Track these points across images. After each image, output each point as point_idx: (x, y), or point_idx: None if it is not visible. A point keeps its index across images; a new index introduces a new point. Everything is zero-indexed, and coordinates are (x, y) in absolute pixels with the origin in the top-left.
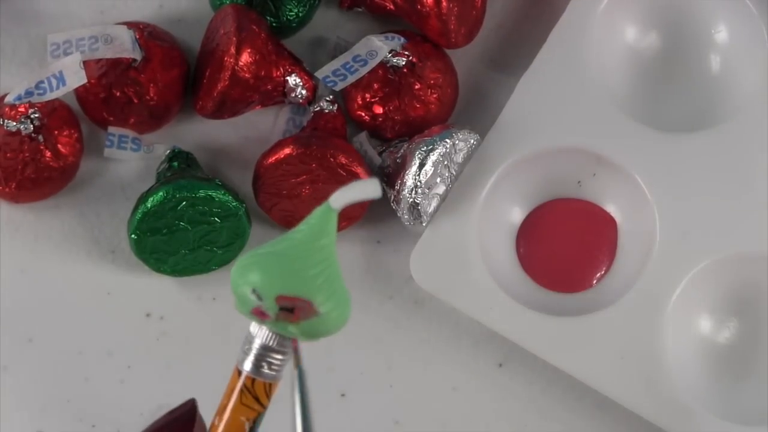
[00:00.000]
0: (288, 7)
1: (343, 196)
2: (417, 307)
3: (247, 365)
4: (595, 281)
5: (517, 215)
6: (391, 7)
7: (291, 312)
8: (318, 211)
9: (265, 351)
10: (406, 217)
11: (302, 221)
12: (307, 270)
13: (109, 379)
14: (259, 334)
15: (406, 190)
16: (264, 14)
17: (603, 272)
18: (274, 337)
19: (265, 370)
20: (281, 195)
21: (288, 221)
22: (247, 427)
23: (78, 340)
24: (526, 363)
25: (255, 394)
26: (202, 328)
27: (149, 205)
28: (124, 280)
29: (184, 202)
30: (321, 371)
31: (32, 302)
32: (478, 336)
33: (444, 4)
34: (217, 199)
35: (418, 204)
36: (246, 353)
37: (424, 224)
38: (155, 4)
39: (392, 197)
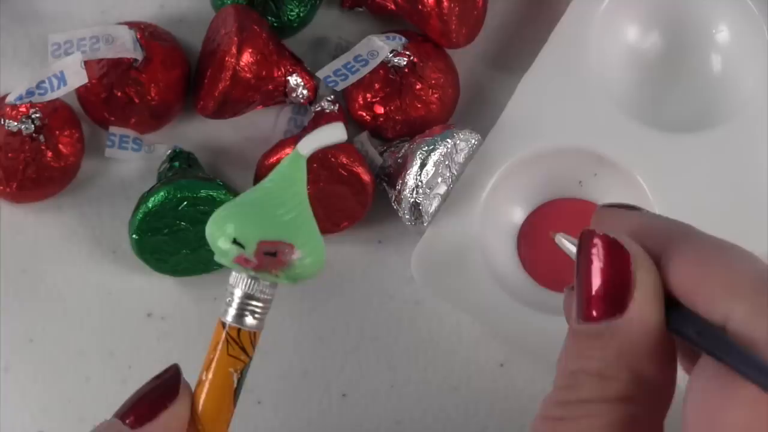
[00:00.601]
0: (289, 7)
1: (310, 142)
2: (418, 307)
3: (231, 316)
4: None
5: (518, 215)
6: (392, 7)
7: (274, 256)
8: (287, 159)
9: (247, 299)
10: (407, 217)
11: (272, 171)
12: (284, 215)
13: (110, 380)
14: (239, 284)
15: (408, 190)
16: (265, 14)
17: None
18: (254, 284)
19: (249, 319)
20: None
21: None
22: (235, 378)
23: (79, 340)
24: (527, 363)
25: (241, 344)
26: (203, 329)
27: (150, 205)
28: (125, 280)
29: (185, 202)
30: (322, 371)
31: (33, 302)
32: (479, 336)
33: (445, 4)
34: (218, 199)
35: (419, 204)
36: (228, 305)
37: (425, 224)
38: (156, 4)
39: (393, 197)
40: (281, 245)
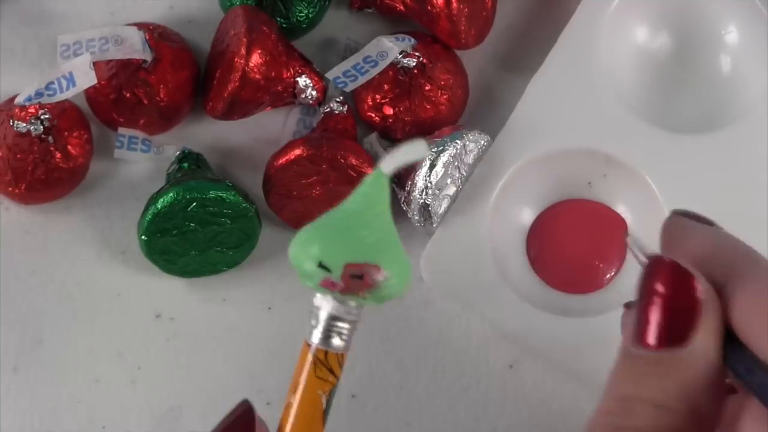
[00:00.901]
0: (298, 8)
1: (393, 160)
2: (427, 308)
3: (318, 338)
4: (605, 282)
5: (527, 216)
6: (402, 8)
7: (360, 278)
8: (369, 179)
9: (333, 321)
10: (416, 218)
11: (354, 191)
12: (369, 237)
13: (119, 380)
14: (324, 305)
15: (417, 191)
16: (274, 15)
17: (614, 273)
18: (341, 306)
19: (336, 340)
20: (292, 196)
21: (298, 222)
22: (324, 400)
23: (88, 341)
24: (537, 364)
25: (329, 366)
26: (212, 330)
27: (159, 206)
28: (134, 281)
29: (194, 203)
30: None
31: (42, 303)
32: (489, 337)
33: (454, 5)
34: (227, 200)
35: (428, 205)
36: (314, 326)
37: (434, 225)
38: (165, 5)
39: (403, 198)
40: (368, 267)
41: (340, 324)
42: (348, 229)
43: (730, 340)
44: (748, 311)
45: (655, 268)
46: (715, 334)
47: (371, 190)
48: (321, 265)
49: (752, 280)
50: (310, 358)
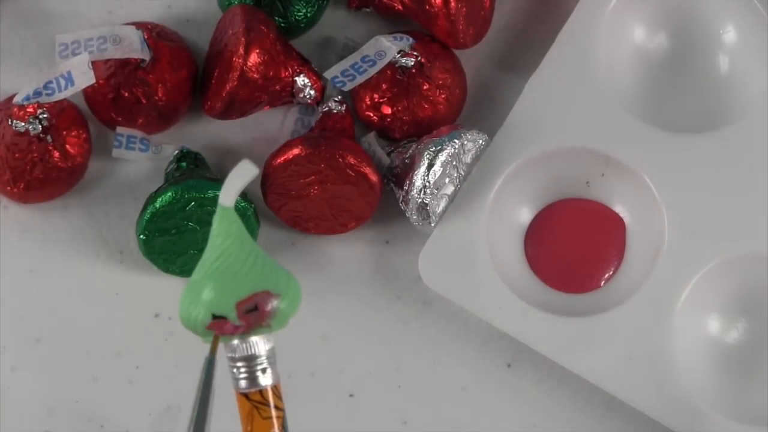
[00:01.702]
0: (296, 7)
1: (228, 191)
2: (425, 308)
3: (247, 384)
4: (603, 281)
5: (525, 215)
6: (400, 7)
7: (256, 310)
8: (217, 217)
9: (251, 362)
10: (414, 217)
11: (210, 236)
12: (244, 268)
13: (117, 380)
14: (237, 351)
15: (415, 191)
16: (272, 15)
17: (611, 272)
18: (251, 345)
19: (263, 378)
20: (290, 195)
21: (296, 221)
22: None
23: (86, 340)
24: (535, 363)
25: (269, 402)
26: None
27: (158, 206)
28: (132, 281)
29: (192, 203)
30: (330, 372)
31: (40, 302)
32: (487, 336)
33: (452, 4)
34: None
35: (426, 204)
36: (238, 375)
37: (432, 224)
38: (164, 5)
39: (401, 197)
40: (257, 297)
41: (258, 360)
42: (222, 271)
43: None
44: None
45: None
46: None
47: (223, 227)
48: (215, 316)
49: None
50: (248, 405)
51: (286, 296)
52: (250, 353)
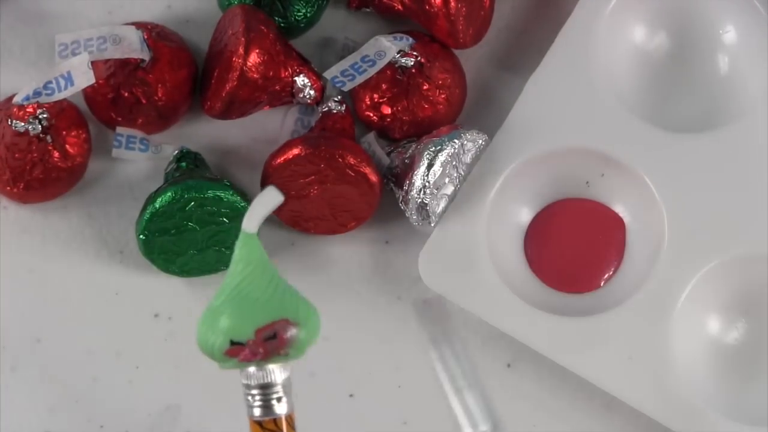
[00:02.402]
0: (296, 7)
1: (252, 218)
2: (425, 307)
3: (260, 411)
4: (603, 281)
5: (525, 215)
6: (399, 7)
7: (274, 338)
8: (240, 243)
9: (267, 390)
10: (414, 217)
11: (231, 261)
12: (264, 295)
13: (117, 380)
14: (253, 379)
15: (415, 191)
16: (272, 15)
17: (611, 272)
18: (268, 373)
19: (278, 406)
20: (290, 195)
21: (296, 221)
22: None
23: (86, 340)
24: (535, 363)
25: (284, 431)
26: None
27: (157, 206)
28: (132, 281)
29: (192, 203)
30: (330, 372)
31: (40, 302)
32: (487, 336)
33: (452, 4)
34: (225, 200)
35: (426, 204)
36: (252, 402)
37: (432, 224)
38: (163, 5)
39: (401, 198)
40: (276, 325)
41: (274, 389)
42: (242, 298)
43: None
44: None
45: None
46: None
47: (245, 254)
48: (233, 342)
49: None
50: None
51: (306, 325)
52: (266, 381)
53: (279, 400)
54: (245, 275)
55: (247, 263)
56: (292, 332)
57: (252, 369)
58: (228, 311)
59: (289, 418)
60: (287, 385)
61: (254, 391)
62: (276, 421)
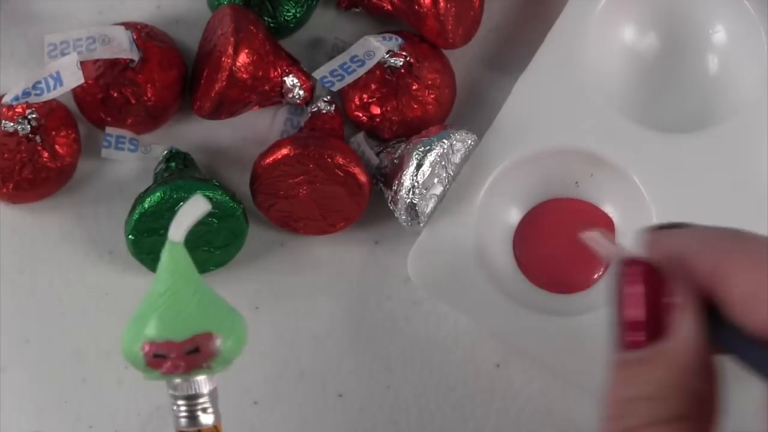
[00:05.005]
0: (285, 7)
1: (178, 227)
2: (415, 308)
3: (185, 422)
4: (592, 282)
5: (514, 216)
6: (389, 7)
7: (197, 352)
8: (165, 252)
9: (192, 401)
10: (403, 217)
11: (158, 269)
12: (188, 308)
13: (107, 380)
14: (178, 389)
15: (404, 191)
16: (261, 15)
17: (600, 273)
18: (193, 384)
19: (205, 417)
20: (279, 195)
21: (285, 221)
22: None
23: (76, 340)
24: (524, 363)
25: None
26: None
27: (146, 206)
28: (121, 281)
29: (181, 203)
30: (319, 372)
31: (30, 303)
32: (476, 336)
33: (441, 4)
34: (214, 200)
35: (415, 204)
36: (178, 414)
37: (421, 225)
38: (153, 5)
39: (390, 198)
40: (198, 339)
41: (200, 400)
42: (165, 309)
43: (716, 319)
44: (740, 288)
45: (624, 271)
46: (695, 321)
47: (170, 263)
48: (156, 355)
49: (740, 256)
50: None
51: (230, 338)
52: (191, 392)
53: (205, 410)
54: (169, 285)
55: (172, 273)
56: (215, 345)
57: (177, 380)
58: (151, 323)
59: (216, 429)
60: (214, 396)
61: (180, 402)
62: (201, 431)
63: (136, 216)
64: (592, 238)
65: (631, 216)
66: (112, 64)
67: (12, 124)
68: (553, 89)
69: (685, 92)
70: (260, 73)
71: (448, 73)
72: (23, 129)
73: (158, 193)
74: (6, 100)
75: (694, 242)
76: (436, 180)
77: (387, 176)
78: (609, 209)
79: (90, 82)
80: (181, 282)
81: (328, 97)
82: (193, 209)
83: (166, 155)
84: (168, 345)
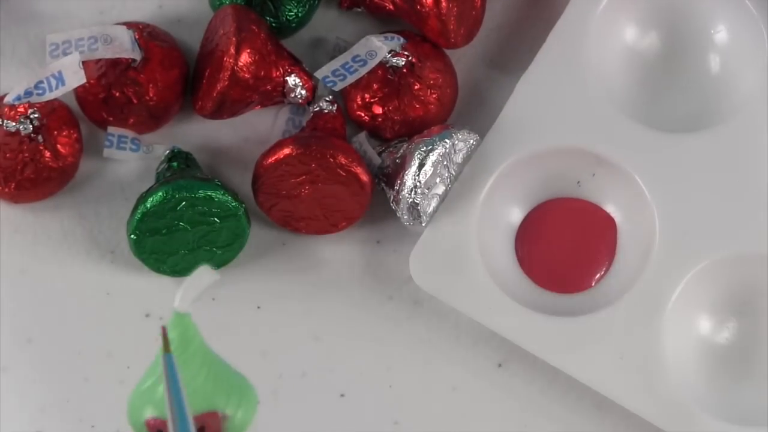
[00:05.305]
0: (287, 7)
1: (186, 297)
2: (416, 308)
3: None
4: (594, 281)
5: (516, 215)
6: (391, 7)
7: (203, 430)
8: (172, 323)
9: None
10: (405, 217)
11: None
12: (194, 384)
13: (108, 380)
14: None
15: (406, 191)
16: (263, 14)
17: (602, 272)
18: None
19: None
20: (280, 195)
21: (287, 221)
22: None
23: (77, 340)
24: (526, 363)
25: None
26: (201, 329)
27: (149, 206)
28: (123, 281)
29: (183, 203)
30: (321, 372)
31: (32, 302)
32: (478, 336)
33: (443, 4)
34: (216, 200)
35: (417, 204)
36: None
37: (423, 224)
38: (155, 5)
39: (392, 197)
40: (203, 417)
41: None
42: None
43: None
44: None
45: None
46: None
47: (178, 335)
48: (160, 430)
49: None
50: None
51: (237, 414)
52: None
53: None
54: (175, 358)
55: (177, 346)
56: (220, 425)
57: None
58: (156, 399)
59: None
60: None
61: None
62: None
63: (138, 216)
64: None
65: (633, 215)
66: (114, 63)
67: (14, 123)
68: (555, 89)
69: (686, 92)
70: (262, 73)
71: (450, 72)
72: (25, 129)
73: (160, 193)
74: (8, 99)
75: None
76: (438, 180)
77: (389, 176)
78: (611, 209)
79: (92, 81)
80: (185, 355)
81: (330, 97)
82: (200, 280)
83: (168, 155)
84: None
